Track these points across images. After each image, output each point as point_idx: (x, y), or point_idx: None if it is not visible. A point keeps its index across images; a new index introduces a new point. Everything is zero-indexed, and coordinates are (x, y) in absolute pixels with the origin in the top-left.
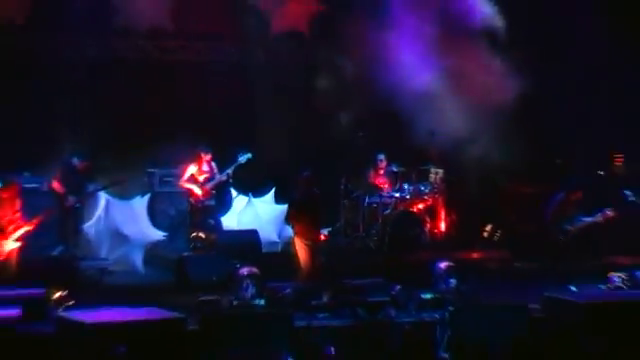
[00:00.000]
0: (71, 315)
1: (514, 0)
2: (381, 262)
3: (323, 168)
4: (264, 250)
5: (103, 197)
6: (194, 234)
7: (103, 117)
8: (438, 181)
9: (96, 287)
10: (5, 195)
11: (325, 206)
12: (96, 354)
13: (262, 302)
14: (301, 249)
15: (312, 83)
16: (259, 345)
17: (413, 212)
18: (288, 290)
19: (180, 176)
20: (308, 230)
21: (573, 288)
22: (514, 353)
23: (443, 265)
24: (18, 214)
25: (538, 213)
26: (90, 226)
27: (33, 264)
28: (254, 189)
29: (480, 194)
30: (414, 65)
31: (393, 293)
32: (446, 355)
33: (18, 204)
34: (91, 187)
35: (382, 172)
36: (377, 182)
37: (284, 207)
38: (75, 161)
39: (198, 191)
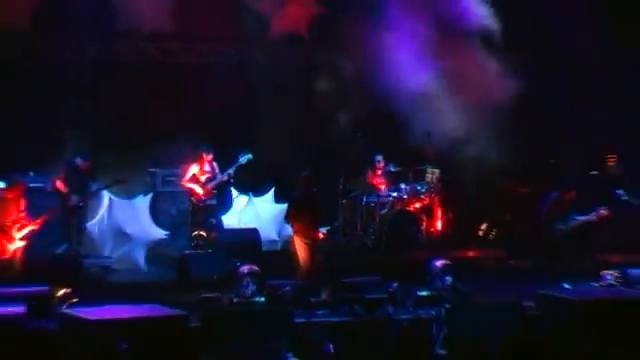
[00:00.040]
0: (75, 312)
1: (510, 2)
2: (379, 260)
3: (322, 168)
4: (264, 248)
5: (106, 196)
6: (195, 233)
7: (106, 118)
8: (434, 181)
9: (99, 285)
10: (10, 195)
11: (324, 205)
12: (99, 350)
13: (262, 299)
14: (300, 247)
15: (311, 84)
16: (259, 341)
17: (410, 211)
18: (288, 287)
19: (182, 176)
20: (307, 229)
21: (567, 286)
22: (509, 349)
23: (439, 263)
24: (23, 214)
25: (532, 212)
26: (94, 225)
27: (38, 262)
28: (254, 189)
29: (476, 194)
30: (411, 66)
31: (390, 290)
32: (442, 351)
33: (23, 204)
34: (94, 186)
35: (380, 172)
36: (375, 182)
37: (284, 206)
38: (78, 161)
39: (200, 191)
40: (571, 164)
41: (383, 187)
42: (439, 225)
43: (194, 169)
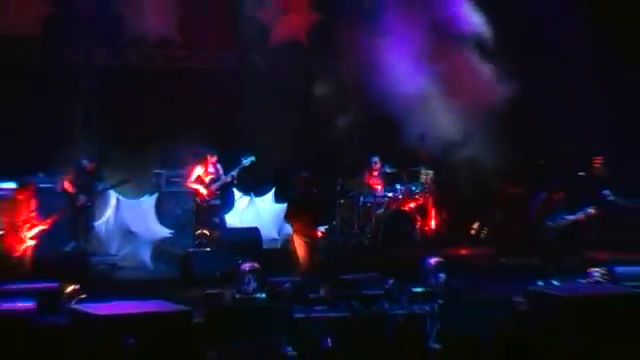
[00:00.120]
0: (83, 308)
1: (502, 8)
2: (375, 258)
3: (321, 169)
4: (265, 247)
5: (113, 197)
6: (199, 231)
7: (114, 121)
8: (428, 182)
9: (107, 281)
10: (21, 196)
11: (322, 205)
12: (107, 344)
13: (263, 295)
14: (299, 246)
15: (310, 89)
16: (260, 336)
17: (405, 211)
18: (287, 284)
19: (187, 177)
20: (306, 228)
21: (555, 282)
22: (500, 344)
23: (433, 261)
24: (33, 214)
25: (522, 212)
26: (101, 224)
27: (47, 260)
28: (255, 189)
29: (468, 194)
30: (406, 71)
31: (386, 287)
32: (436, 345)
33: (33, 204)
34: (100, 186)
35: (376, 173)
36: (371, 182)
37: (284, 206)
38: (84, 162)
39: (204, 191)
40: (560, 165)
41: (379, 187)
42: (433, 224)
43: (199, 170)
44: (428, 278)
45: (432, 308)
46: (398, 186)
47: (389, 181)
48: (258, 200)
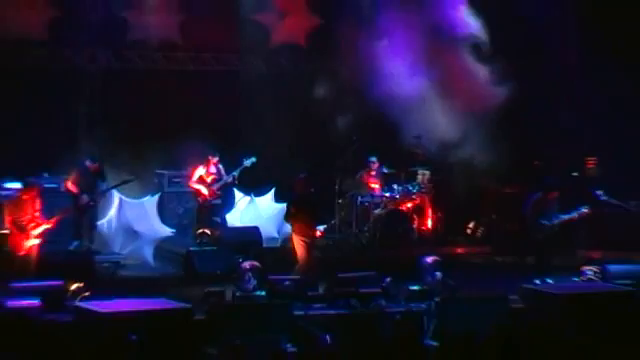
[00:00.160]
0: (87, 305)
1: (497, 12)
2: (373, 257)
3: (319, 170)
4: (265, 245)
5: (117, 197)
6: (200, 230)
7: (117, 122)
8: (425, 182)
9: (110, 279)
10: (26, 196)
11: (321, 205)
12: (110, 341)
13: (263, 293)
14: (298, 245)
15: (309, 91)
16: (260, 332)
17: (402, 210)
18: (287, 282)
19: (189, 177)
20: (305, 227)
21: (549, 280)
22: (495, 340)
23: (430, 259)
24: (38, 213)
25: (517, 211)
26: (105, 223)
27: (52, 258)
28: (256, 189)
29: (464, 194)
30: (403, 73)
31: (384, 285)
32: (432, 342)
33: (38, 204)
34: (102, 186)
35: (374, 173)
36: (369, 183)
37: (283, 206)
38: (87, 163)
39: (205, 191)
40: (554, 166)
41: (377, 187)
42: (429, 223)
43: (201, 171)
44: (425, 276)
45: (429, 306)
46: (395, 186)
47: (387, 181)
48: (258, 200)
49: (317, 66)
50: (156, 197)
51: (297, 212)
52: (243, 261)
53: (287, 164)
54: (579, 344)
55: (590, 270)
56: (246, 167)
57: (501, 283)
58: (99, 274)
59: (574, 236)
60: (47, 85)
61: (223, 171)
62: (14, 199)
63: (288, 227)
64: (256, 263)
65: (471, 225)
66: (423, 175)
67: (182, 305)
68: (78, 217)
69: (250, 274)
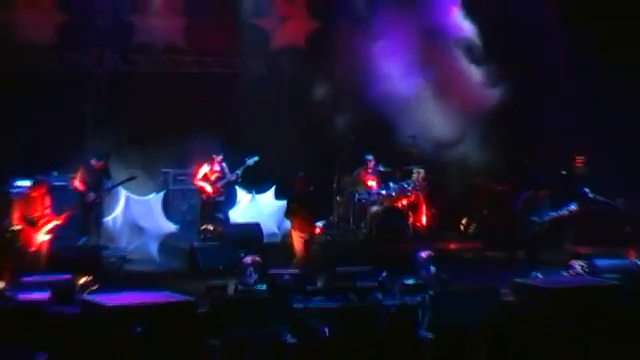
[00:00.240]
0: (94, 298)
1: (490, 16)
2: (369, 252)
3: (319, 168)
4: (265, 241)
5: (123, 194)
6: (204, 227)
7: (123, 123)
8: (420, 180)
9: (117, 274)
10: (35, 194)
11: (320, 202)
12: (117, 333)
13: (264, 287)
14: (297, 241)
15: (309, 92)
16: (261, 325)
17: (397, 207)
18: (287, 277)
19: (194, 175)
20: (304, 224)
21: (538, 275)
22: (487, 332)
23: (424, 254)
24: (48, 210)
25: (508, 208)
26: (112, 220)
27: (62, 254)
28: (257, 187)
29: (457, 191)
30: (399, 74)
31: (380, 279)
32: (427, 334)
33: (48, 201)
34: (108, 184)
35: (370, 171)
36: (366, 180)
37: (283, 203)
38: (93, 161)
39: (209, 189)
40: (543, 165)
41: (374, 185)
42: (424, 220)
43: (205, 169)
44: (419, 271)
45: (423, 299)
46: (391, 184)
47: (383, 179)
48: (259, 197)
49: (316, 68)
50: (161, 194)
51: (297, 210)
52: (245, 256)
53: (287, 163)
54: (567, 336)
55: (578, 264)
56: (249, 166)
57: (492, 277)
58: (106, 269)
59: (563, 232)
60: (56, 86)
61: (227, 169)
62: (24, 196)
63: (288, 223)
64: (257, 258)
65: (464, 221)
66: (418, 173)
67: (186, 298)
68: (85, 214)
69: (251, 268)
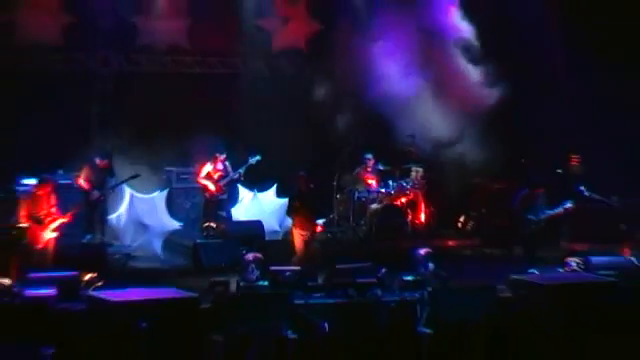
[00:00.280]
0: (100, 294)
1: (488, 17)
2: (369, 249)
3: (320, 167)
4: (267, 238)
5: (128, 192)
6: (206, 224)
7: (128, 123)
8: (419, 178)
9: (121, 270)
10: (41, 192)
11: (320, 200)
12: (122, 328)
13: (265, 283)
14: (297, 238)
15: (309, 92)
16: (263, 320)
17: (396, 205)
18: (288, 273)
19: (197, 173)
20: (306, 222)
21: (535, 271)
22: (484, 328)
23: (422, 251)
24: (54, 208)
25: (506, 206)
26: (116, 217)
27: (67, 251)
28: (259, 185)
29: (455, 189)
30: (398, 74)
31: (379, 275)
32: (425, 329)
33: (53, 199)
34: (111, 182)
35: (370, 170)
36: (366, 179)
37: (284, 201)
38: (97, 160)
39: (212, 187)
40: (540, 163)
41: (373, 184)
42: (422, 217)
43: (208, 167)
44: (418, 267)
45: (422, 295)
46: (390, 182)
47: (382, 178)
48: (261, 195)
49: (316, 68)
50: (165, 192)
51: (298, 208)
52: (247, 253)
53: (288, 162)
54: (563, 331)
55: (574, 261)
56: (251, 164)
57: (490, 274)
58: (111, 265)
59: (559, 229)
60: (62, 87)
61: (230, 168)
62: (30, 194)
63: (289, 221)
64: (259, 255)
65: (461, 219)
66: (417, 172)
67: (189, 294)
68: (89, 212)
69: (253, 265)
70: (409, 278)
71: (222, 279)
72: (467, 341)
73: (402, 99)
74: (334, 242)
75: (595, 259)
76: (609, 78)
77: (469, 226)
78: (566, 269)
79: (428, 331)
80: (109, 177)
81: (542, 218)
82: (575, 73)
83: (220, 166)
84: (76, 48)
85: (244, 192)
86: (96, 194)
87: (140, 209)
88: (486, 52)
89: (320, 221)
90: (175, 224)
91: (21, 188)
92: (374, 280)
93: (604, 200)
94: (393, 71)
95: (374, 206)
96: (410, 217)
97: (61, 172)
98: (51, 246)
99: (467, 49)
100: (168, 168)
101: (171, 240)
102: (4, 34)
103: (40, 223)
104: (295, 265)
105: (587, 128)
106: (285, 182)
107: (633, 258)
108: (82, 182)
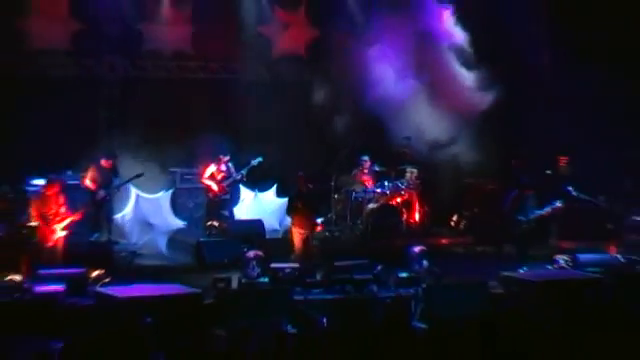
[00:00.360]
0: (106, 290)
1: (481, 22)
2: (365, 247)
3: (317, 168)
4: (267, 236)
5: (133, 192)
6: (209, 223)
7: (134, 125)
8: (413, 179)
9: (127, 267)
10: (50, 192)
11: (319, 200)
12: (128, 323)
13: (266, 280)
14: (296, 236)
15: (309, 96)
16: (264, 315)
17: (392, 205)
18: (288, 270)
19: (201, 174)
20: (305, 220)
21: (525, 268)
22: (476, 323)
23: (417, 249)
24: (63, 207)
25: (497, 206)
26: (123, 216)
27: (75, 248)
28: (259, 185)
29: (448, 190)
30: (393, 78)
31: (375, 272)
32: (420, 324)
33: (62, 199)
34: (116, 182)
35: (366, 171)
36: (362, 179)
37: (284, 200)
38: (102, 161)
39: (215, 187)
40: (529, 165)
41: (369, 184)
42: (417, 217)
43: (212, 168)
44: (413, 264)
45: (416, 291)
46: (386, 183)
47: (378, 178)
48: (262, 195)
49: (314, 72)
50: (169, 192)
51: (297, 207)
52: (248, 251)
53: (288, 163)
54: (552, 327)
55: (562, 259)
56: (253, 166)
57: (482, 271)
58: (117, 263)
59: (548, 228)
60: (70, 91)
61: (232, 169)
62: (40, 194)
63: (288, 220)
64: (260, 252)
65: (454, 218)
66: (411, 173)
67: (193, 290)
68: (96, 211)
69: (254, 262)
70: (404, 275)
71: (224, 276)
72: (460, 336)
73: (398, 102)
74: (332, 240)
75: (583, 256)
76: (600, 80)
77: (462, 225)
78: (555, 266)
79: (422, 326)
80: (114, 177)
81: (532, 218)
82: (562, 74)
83: (223, 167)
84: (84, 54)
85: (245, 192)
86: (102, 194)
87: (145, 209)
88: (479, 56)
89: (319, 220)
90: (179, 223)
91: (31, 188)
92: (370, 277)
93: (591, 200)
94: (389, 74)
95: (370, 206)
96: (405, 216)
97: (69, 173)
98: (60, 244)
99: (461, 53)
100: (173, 169)
101: (175, 238)
102: (16, 40)
103: (48, 222)
104: (294, 262)
105: (574, 130)
106: (285, 183)
107: (619, 255)
108: (88, 182)
